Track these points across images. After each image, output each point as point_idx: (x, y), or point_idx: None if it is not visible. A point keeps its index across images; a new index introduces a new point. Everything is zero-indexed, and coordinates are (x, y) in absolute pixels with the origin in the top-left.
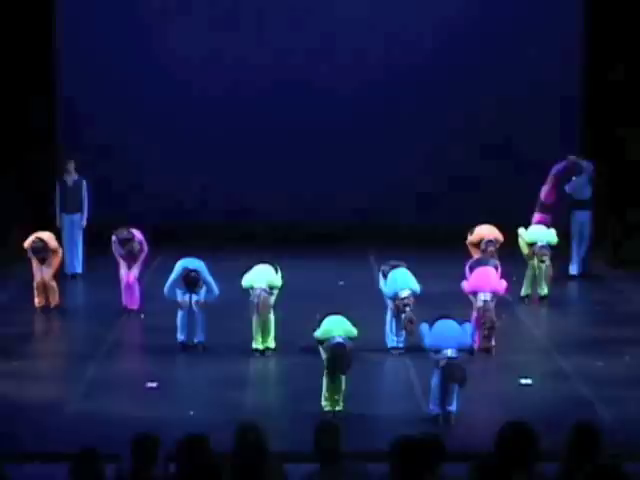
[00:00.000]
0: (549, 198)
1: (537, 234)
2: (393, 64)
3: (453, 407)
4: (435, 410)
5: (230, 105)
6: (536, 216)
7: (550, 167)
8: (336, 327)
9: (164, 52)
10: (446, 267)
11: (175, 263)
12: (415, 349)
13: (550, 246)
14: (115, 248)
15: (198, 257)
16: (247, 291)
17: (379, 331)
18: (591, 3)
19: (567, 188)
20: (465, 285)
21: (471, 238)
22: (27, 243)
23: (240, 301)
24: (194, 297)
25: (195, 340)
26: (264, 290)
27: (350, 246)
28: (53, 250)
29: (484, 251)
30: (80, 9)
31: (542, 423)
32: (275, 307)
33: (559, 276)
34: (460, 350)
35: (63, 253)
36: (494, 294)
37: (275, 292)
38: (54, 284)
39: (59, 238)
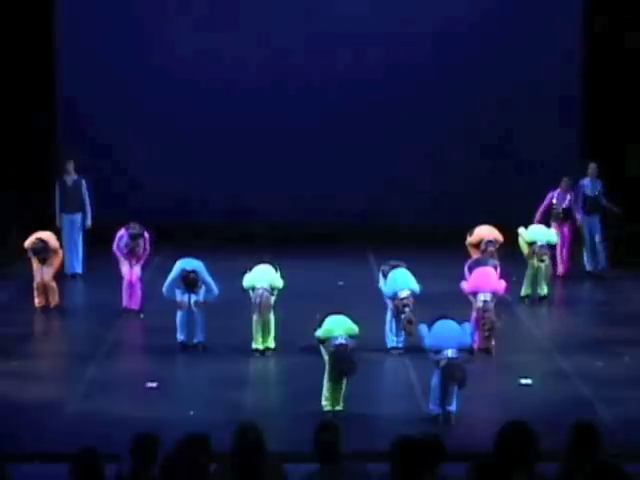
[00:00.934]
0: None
1: (537, 234)
2: (393, 64)
3: (453, 407)
4: (435, 410)
5: (230, 105)
6: (553, 225)
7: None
8: (337, 326)
9: (164, 52)
10: (446, 267)
11: (174, 263)
12: (415, 349)
13: (550, 246)
14: (117, 243)
15: (197, 257)
16: (247, 291)
17: (379, 331)
18: (591, 3)
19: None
20: (465, 285)
21: (471, 239)
22: (28, 243)
23: (240, 301)
24: (193, 297)
25: (195, 340)
26: (266, 290)
27: (350, 246)
28: (54, 250)
29: (484, 251)
30: (80, 9)
31: (542, 423)
32: (275, 307)
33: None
34: (460, 350)
35: (63, 253)
36: (494, 294)
37: (276, 292)
38: (54, 284)
39: (59, 238)
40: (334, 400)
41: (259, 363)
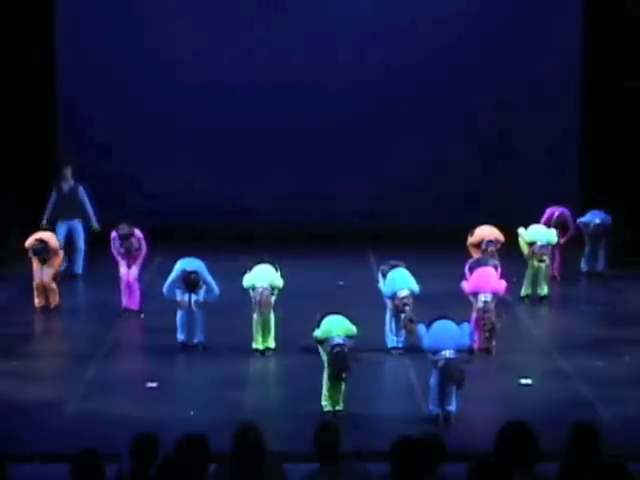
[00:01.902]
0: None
1: (537, 234)
2: (393, 64)
3: (452, 407)
4: (435, 410)
5: (230, 105)
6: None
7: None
8: (335, 327)
9: (164, 52)
10: (446, 267)
11: (175, 263)
12: (415, 349)
13: (550, 246)
14: (113, 245)
15: (198, 257)
16: (247, 291)
17: (379, 331)
18: (591, 3)
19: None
20: (465, 286)
21: (471, 239)
22: (28, 243)
23: (240, 301)
24: (193, 297)
25: (195, 340)
26: (266, 289)
27: (350, 246)
28: (54, 251)
29: (485, 251)
30: (80, 9)
31: (542, 423)
32: (275, 307)
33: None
34: (459, 351)
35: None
36: (494, 295)
37: (276, 292)
38: (54, 285)
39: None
40: (334, 400)
41: (259, 363)
